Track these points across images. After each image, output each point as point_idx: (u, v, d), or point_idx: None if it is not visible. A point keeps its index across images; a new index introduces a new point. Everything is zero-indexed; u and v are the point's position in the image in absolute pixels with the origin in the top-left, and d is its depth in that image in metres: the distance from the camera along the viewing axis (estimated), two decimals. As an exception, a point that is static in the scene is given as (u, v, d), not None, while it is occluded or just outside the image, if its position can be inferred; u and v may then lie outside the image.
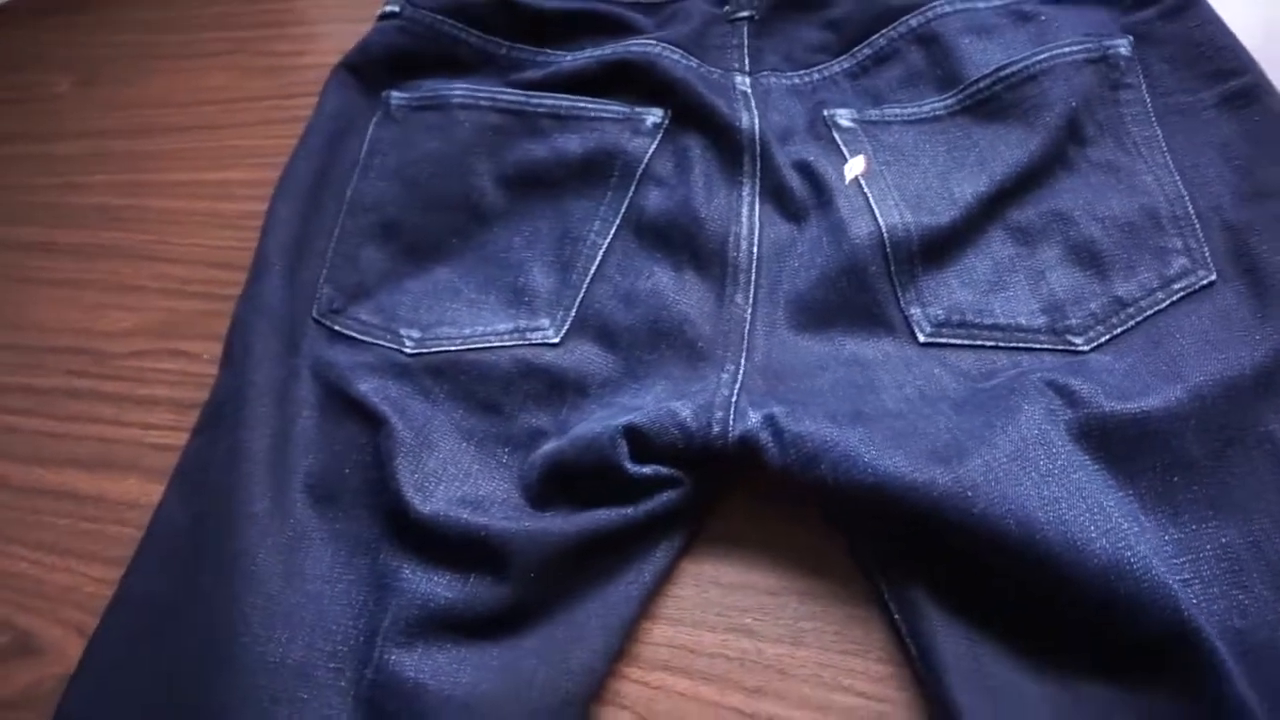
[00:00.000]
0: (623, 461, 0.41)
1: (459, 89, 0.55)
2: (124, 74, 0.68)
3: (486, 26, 0.57)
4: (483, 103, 0.54)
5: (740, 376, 0.44)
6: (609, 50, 0.54)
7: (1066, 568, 0.36)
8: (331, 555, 0.43)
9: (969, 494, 0.37)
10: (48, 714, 0.41)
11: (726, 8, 0.56)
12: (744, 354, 0.45)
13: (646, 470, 0.42)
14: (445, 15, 0.56)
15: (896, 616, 0.39)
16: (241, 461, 0.44)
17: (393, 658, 0.39)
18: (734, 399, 0.42)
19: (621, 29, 0.57)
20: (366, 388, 0.47)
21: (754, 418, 0.41)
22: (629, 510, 0.42)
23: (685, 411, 0.42)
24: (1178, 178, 0.46)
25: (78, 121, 0.66)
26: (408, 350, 0.48)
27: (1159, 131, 0.48)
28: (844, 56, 0.54)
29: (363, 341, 0.49)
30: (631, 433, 0.42)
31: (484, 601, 0.41)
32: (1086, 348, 0.43)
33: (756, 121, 0.51)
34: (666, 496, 0.42)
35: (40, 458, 0.51)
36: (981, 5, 0.53)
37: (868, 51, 0.54)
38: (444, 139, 0.53)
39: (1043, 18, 0.51)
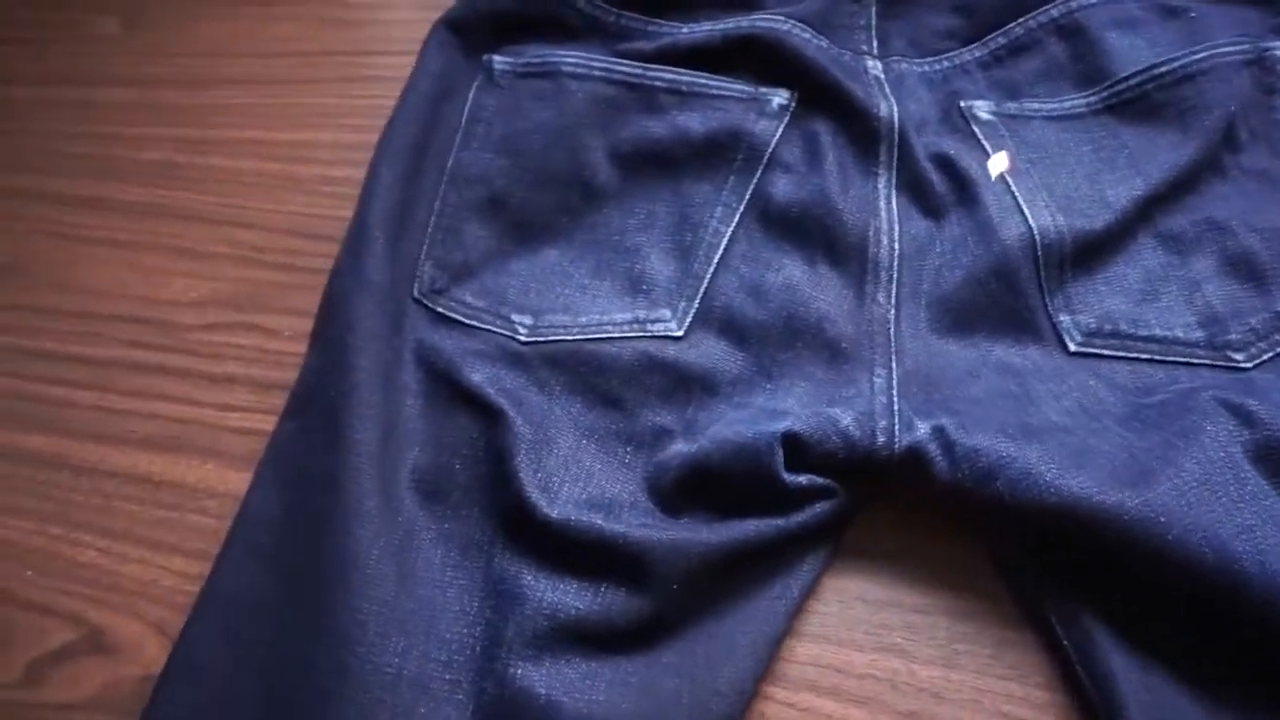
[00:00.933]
0: (779, 470, 0.39)
1: (571, 57, 0.51)
2: (177, 17, 0.62)
3: (594, -4, 0.54)
4: (596, 73, 0.51)
5: (894, 382, 0.42)
6: (731, 24, 0.51)
7: (1261, 597, 0.34)
8: (441, 557, 0.40)
9: (1162, 519, 0.35)
10: (126, 718, 0.38)
11: (852, -18, 0.53)
12: (893, 357, 0.43)
13: (802, 480, 0.39)
14: (559, -16, 0.53)
15: (1065, 642, 0.37)
16: (347, 453, 0.41)
17: (519, 671, 0.37)
18: (895, 407, 0.40)
19: (739, 1, 0.53)
20: (480, 377, 0.43)
21: (922, 429, 0.39)
22: (780, 521, 0.39)
23: (846, 419, 0.40)
24: None
25: (126, 67, 0.61)
26: (522, 338, 0.45)
27: None
28: (976, 45, 0.52)
29: (470, 326, 0.46)
30: (790, 440, 0.39)
31: (619, 613, 0.38)
32: (1249, 365, 0.41)
33: (895, 109, 0.48)
34: (819, 508, 0.39)
35: (101, 435, 0.47)
36: (1111, -8, 0.51)
37: (1002, 40, 0.51)
38: (555, 109, 0.50)
39: (1192, 14, 0.49)
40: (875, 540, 0.41)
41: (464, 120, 0.51)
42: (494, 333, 0.45)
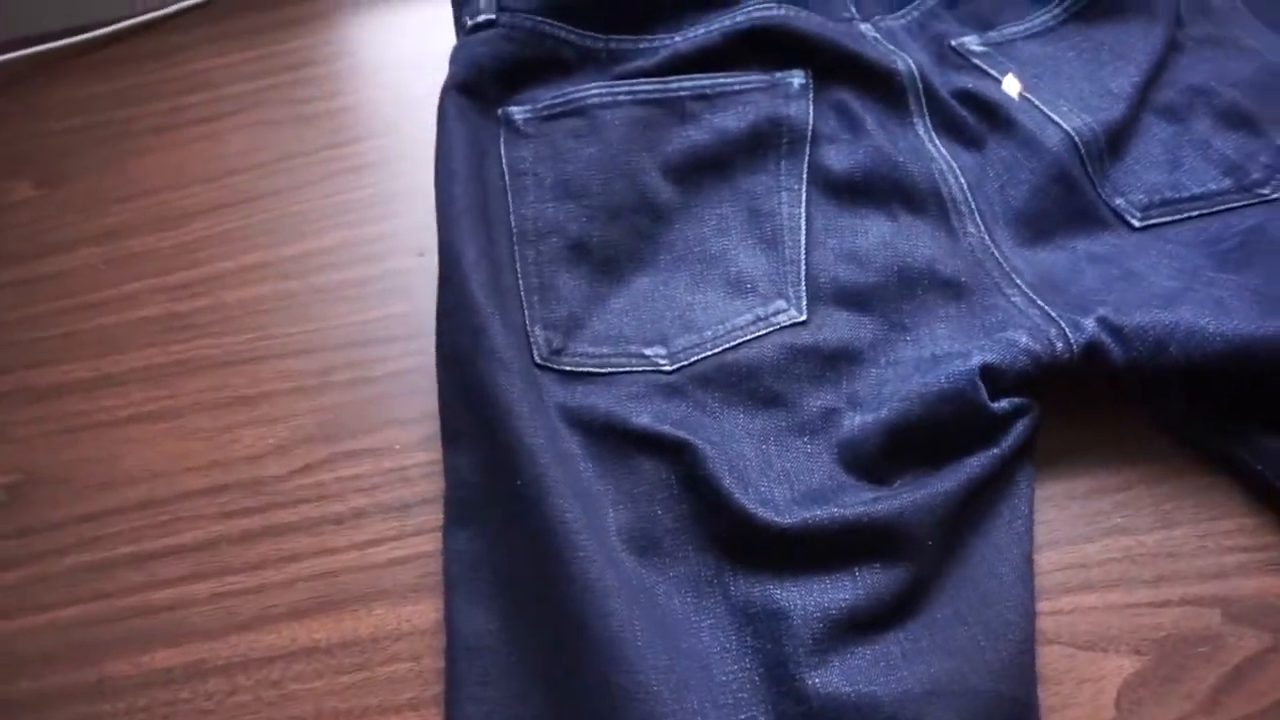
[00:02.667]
0: (985, 401, 0.40)
1: (594, 89, 0.50)
2: (98, 162, 0.55)
3: (581, 21, 0.53)
4: (622, 98, 0.50)
5: (1032, 295, 0.44)
6: (726, 21, 0.52)
7: None
8: (680, 605, 0.39)
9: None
10: None
11: (825, -38, 0.56)
12: (1012, 274, 0.46)
13: (1005, 404, 0.41)
14: (542, 15, 0.51)
15: (1259, 467, 0.42)
16: (563, 536, 0.38)
17: (816, 681, 0.36)
18: (1052, 314, 0.43)
19: (716, 6, 0.55)
20: (647, 419, 0.42)
21: (1088, 325, 0.42)
22: (996, 449, 0.41)
23: (1022, 338, 0.42)
24: (1276, 36, 0.52)
25: (62, 228, 0.53)
26: (666, 368, 0.44)
27: (1238, 2, 0.54)
28: None
29: (607, 374, 0.44)
30: (987, 372, 0.41)
31: (885, 589, 0.38)
32: (1276, 195, 0.48)
33: (910, 62, 0.51)
34: (1021, 426, 0.42)
35: (238, 623, 0.41)
36: (1038, -81, 0.57)
37: (967, -20, 0.56)
38: (598, 143, 0.49)
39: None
40: (1059, 441, 0.44)
41: (507, 177, 0.49)
42: (636, 373, 0.44)
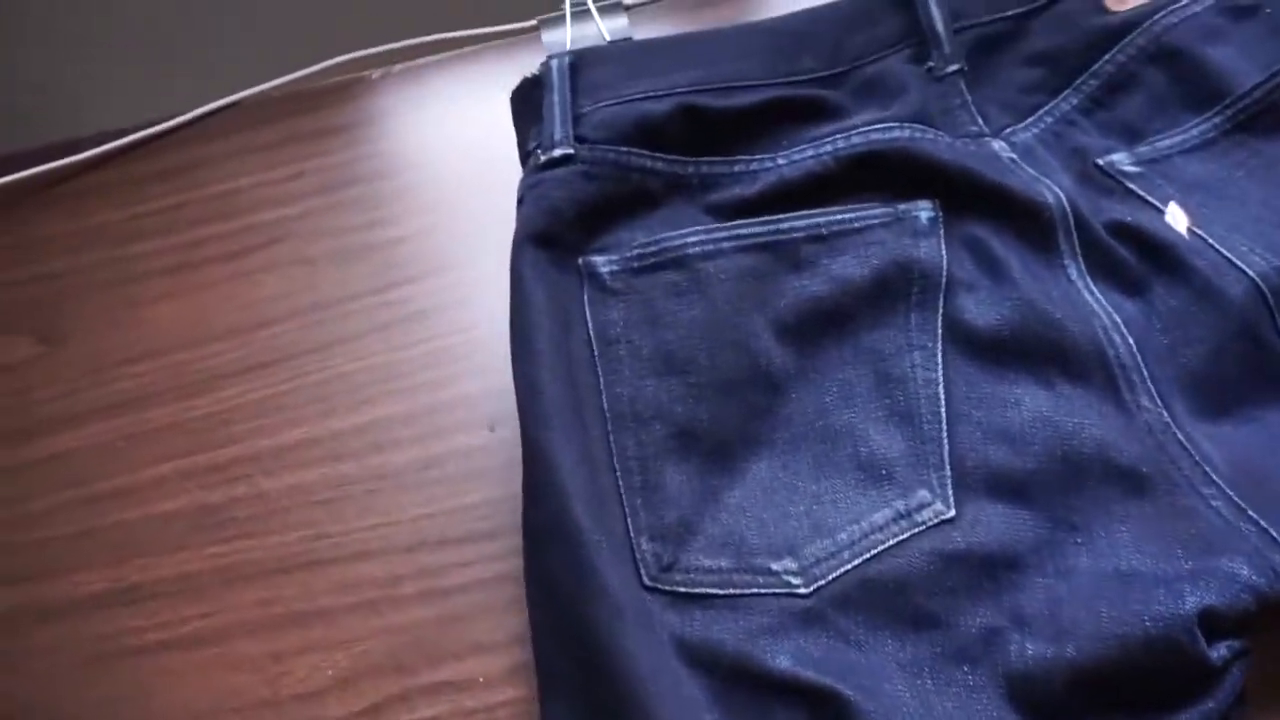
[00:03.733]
0: (1204, 653, 0.34)
1: (694, 236, 0.43)
2: (114, 308, 0.47)
3: (666, 144, 0.45)
4: (726, 245, 0.43)
5: (1236, 497, 0.38)
6: (840, 142, 0.45)
7: None
8: None
9: None
10: None
11: (929, 64, 0.48)
12: (1206, 466, 0.39)
13: (1223, 651, 0.34)
14: (624, 144, 0.44)
15: None
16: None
17: None
18: (1273, 532, 0.36)
19: (816, 112, 0.47)
20: (787, 661, 0.35)
21: None
22: (1211, 703, 0.34)
23: (1244, 570, 0.35)
24: None
25: (69, 397, 0.46)
26: (801, 590, 0.37)
27: None
28: (1068, 92, 0.48)
29: (731, 596, 0.37)
30: (1206, 617, 0.34)
31: None
32: None
33: (1060, 191, 0.44)
34: (1238, 671, 0.35)
35: None
36: (1197, 7, 0.49)
37: (1095, 83, 0.48)
38: (703, 303, 0.42)
39: (1267, 10, 0.49)
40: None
41: (594, 345, 0.41)
42: (765, 594, 0.37)
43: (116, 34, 0.71)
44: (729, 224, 0.43)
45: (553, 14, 0.53)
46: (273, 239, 0.49)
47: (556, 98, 0.44)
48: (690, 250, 0.42)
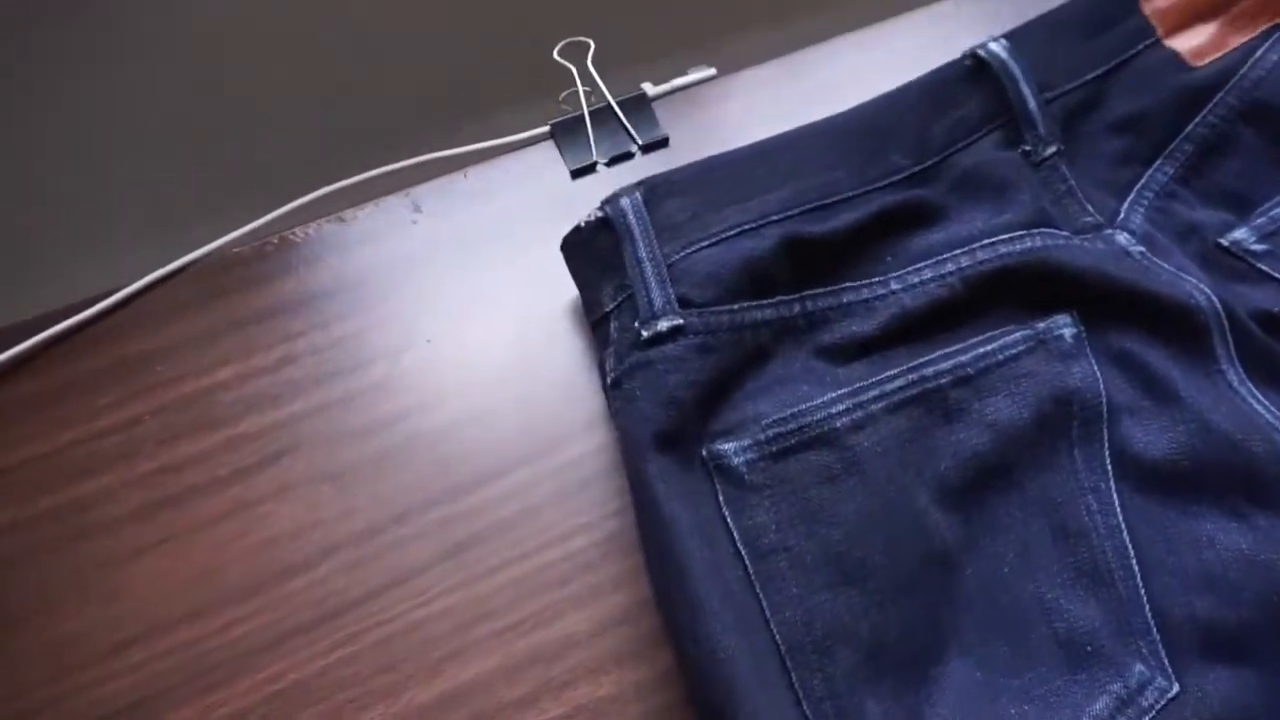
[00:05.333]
0: None
1: (837, 400, 0.35)
2: (74, 578, 0.36)
3: (772, 285, 0.38)
4: (875, 408, 0.36)
5: None
6: (964, 260, 0.39)
7: None
8: None
9: None
10: None
11: (1025, 147, 0.42)
12: None
13: None
14: (736, 298, 0.36)
15: None
16: None
17: None
18: None
19: (921, 218, 0.41)
20: None
21: None
22: None
23: None
24: None
25: (35, 711, 0.34)
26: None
27: None
28: (1161, 161, 0.44)
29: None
30: None
31: None
32: None
33: (1207, 289, 0.39)
34: None
35: None
36: (1275, 57, 0.46)
37: (1189, 148, 0.44)
38: (864, 488, 0.35)
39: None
40: None
41: (747, 560, 0.34)
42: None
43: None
44: (872, 380, 0.36)
45: (566, 116, 0.44)
46: (275, 452, 0.38)
47: (643, 249, 0.36)
48: (838, 422, 0.35)
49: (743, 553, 0.34)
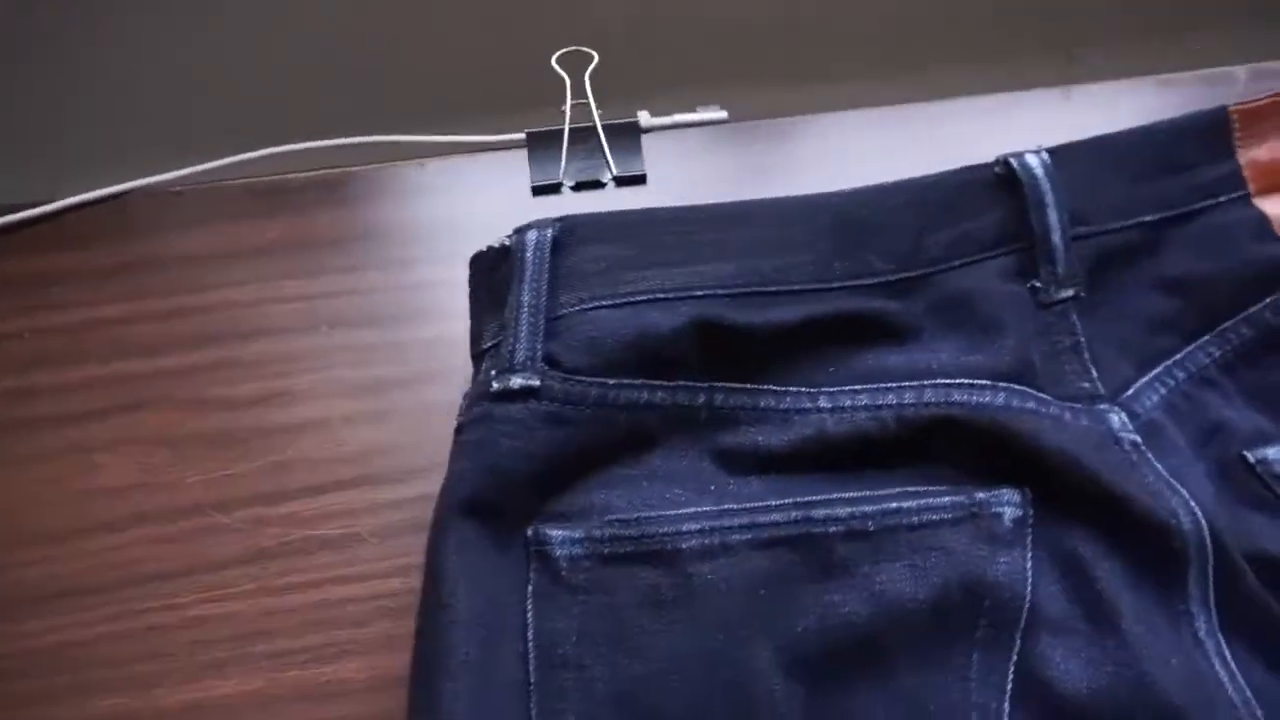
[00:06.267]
0: None
1: (688, 518, 0.30)
2: None
3: (672, 368, 0.33)
4: (736, 538, 0.31)
5: None
6: (908, 396, 0.33)
7: None
8: None
9: None
10: None
11: (1035, 283, 0.36)
12: None
13: None
14: (615, 373, 0.32)
15: None
16: None
17: None
18: None
19: (879, 331, 0.35)
20: None
21: None
22: None
23: None
24: None
25: None
26: None
27: None
28: (1209, 338, 0.36)
29: None
30: None
31: None
32: None
33: (1198, 509, 0.32)
34: None
35: None
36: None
37: (1248, 333, 0.36)
38: (688, 624, 0.29)
39: None
40: None
41: (531, 665, 0.29)
42: None
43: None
44: (749, 505, 0.31)
45: (545, 129, 0.41)
46: (130, 403, 0.36)
47: (527, 293, 0.32)
48: (686, 543, 0.30)
49: (531, 657, 0.29)
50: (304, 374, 0.37)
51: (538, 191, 0.40)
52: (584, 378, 0.31)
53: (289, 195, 0.41)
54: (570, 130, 0.40)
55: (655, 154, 0.42)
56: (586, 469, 0.31)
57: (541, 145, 0.41)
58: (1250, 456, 0.34)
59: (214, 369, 0.37)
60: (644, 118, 0.41)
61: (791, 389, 0.34)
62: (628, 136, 0.41)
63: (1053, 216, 0.36)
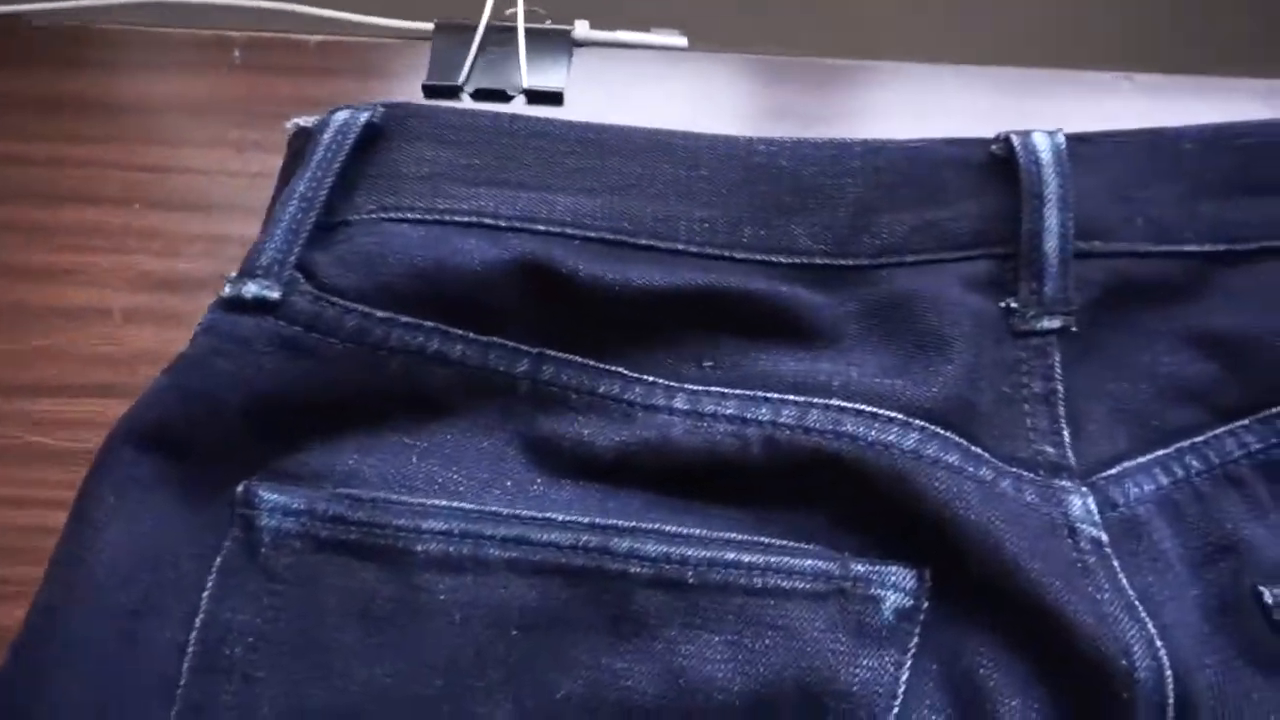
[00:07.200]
0: None
1: (436, 516, 0.23)
2: None
3: (490, 318, 0.26)
4: (493, 551, 0.23)
5: None
6: (785, 414, 0.24)
7: None
8: None
9: None
10: None
11: (1012, 303, 0.27)
12: None
13: None
14: (393, 305, 0.24)
15: None
16: None
17: None
18: None
19: (782, 327, 0.26)
20: None
21: None
22: None
23: None
24: None
25: None
26: None
27: None
28: (1252, 421, 0.26)
29: None
30: None
31: None
32: None
33: (1167, 661, 0.22)
34: None
35: None
36: None
37: (1302, 422, 0.26)
38: (400, 645, 0.22)
39: None
40: None
41: (187, 661, 0.22)
42: None
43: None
44: (525, 514, 0.23)
45: (458, 21, 0.33)
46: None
47: (304, 183, 0.25)
48: (423, 545, 0.22)
49: (190, 652, 0.22)
50: (100, 253, 0.31)
51: (430, 93, 0.33)
52: (342, 301, 0.24)
53: (148, 51, 0.35)
54: (487, 27, 0.33)
55: (605, 75, 0.34)
56: (339, 422, 0.24)
57: (449, 40, 0.33)
58: (1268, 595, 0.24)
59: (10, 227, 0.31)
60: (580, 27, 0.34)
61: (646, 377, 0.26)
62: (554, 44, 0.33)
63: (1050, 218, 0.27)
